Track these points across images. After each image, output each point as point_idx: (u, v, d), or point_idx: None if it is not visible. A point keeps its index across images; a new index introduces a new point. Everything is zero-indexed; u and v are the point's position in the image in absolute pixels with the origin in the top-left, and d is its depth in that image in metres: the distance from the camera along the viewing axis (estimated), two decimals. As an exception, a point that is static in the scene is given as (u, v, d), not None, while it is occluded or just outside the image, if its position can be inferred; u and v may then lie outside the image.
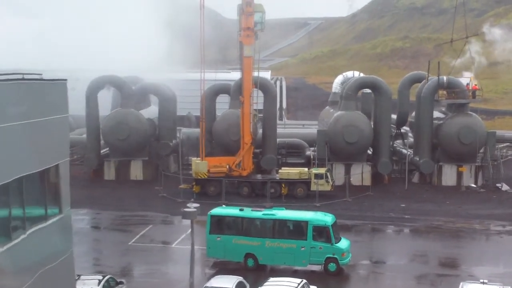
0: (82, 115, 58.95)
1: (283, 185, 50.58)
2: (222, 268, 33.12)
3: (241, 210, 34.46)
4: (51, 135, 19.10)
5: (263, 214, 33.77)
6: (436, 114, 58.16)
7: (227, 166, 51.26)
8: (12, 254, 16.23)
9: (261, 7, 50.65)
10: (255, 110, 53.09)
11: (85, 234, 40.97)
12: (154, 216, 45.56)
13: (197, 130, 61.96)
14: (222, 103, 61.31)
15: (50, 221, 18.83)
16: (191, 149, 61.83)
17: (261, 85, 53.99)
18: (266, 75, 76.69)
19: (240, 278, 27.73)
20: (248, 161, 52.13)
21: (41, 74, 18.85)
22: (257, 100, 53.71)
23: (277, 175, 52.42)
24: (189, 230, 24.97)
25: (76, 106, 52.25)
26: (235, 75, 66.64)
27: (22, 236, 16.98)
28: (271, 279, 27.43)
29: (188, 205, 25.28)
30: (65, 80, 20.17)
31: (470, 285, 25.60)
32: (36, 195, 18.29)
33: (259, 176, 52.93)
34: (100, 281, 26.14)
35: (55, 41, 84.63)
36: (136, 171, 57.97)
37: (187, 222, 24.17)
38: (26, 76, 17.67)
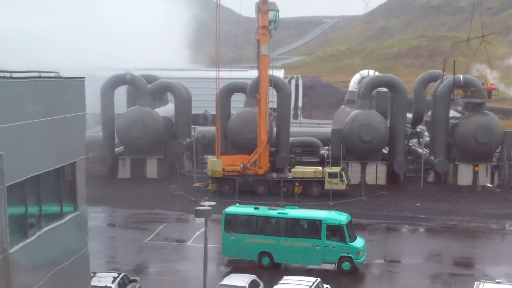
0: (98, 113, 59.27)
1: (297, 184, 50.59)
2: (236, 267, 33.21)
3: (256, 208, 34.54)
4: (68, 133, 19.25)
5: (278, 213, 33.82)
6: (452, 113, 57.85)
7: (241, 165, 51.32)
8: (28, 251, 16.38)
9: (274, 5, 50.70)
10: (270, 108, 53.15)
11: (100, 231, 41.23)
12: (169, 214, 45.79)
13: (212, 128, 62.20)
14: (237, 102, 61.43)
15: (66, 219, 18.97)
16: (207, 147, 62.04)
17: (275, 83, 54.03)
18: (280, 73, 76.76)
19: (253, 277, 27.81)
20: (265, 160, 52.19)
21: (58, 72, 18.99)
22: (272, 98, 53.73)
23: (289, 174, 52.42)
24: (203, 228, 25.04)
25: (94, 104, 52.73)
26: (251, 74, 66.74)
27: (38, 233, 17.13)
28: (285, 277, 27.50)
29: (201, 203, 25.35)
30: (83, 78, 20.31)
31: (485, 284, 25.47)
32: (53, 193, 18.43)
33: (274, 175, 52.99)
34: (115, 278, 26.34)
35: (71, 39, 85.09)
36: (152, 169, 58.27)
37: (202, 220, 24.23)
38: (42, 74, 17.81)
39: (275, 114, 56.76)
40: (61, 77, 18.86)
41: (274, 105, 55.89)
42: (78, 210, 19.93)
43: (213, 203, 25.28)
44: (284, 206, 36.61)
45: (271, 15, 50.50)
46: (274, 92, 55.39)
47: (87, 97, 20.65)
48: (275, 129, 56.58)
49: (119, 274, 27.17)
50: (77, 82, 20.02)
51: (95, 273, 26.04)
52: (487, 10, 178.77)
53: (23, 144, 16.31)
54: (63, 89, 18.93)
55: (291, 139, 58.60)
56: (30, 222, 16.99)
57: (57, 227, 18.28)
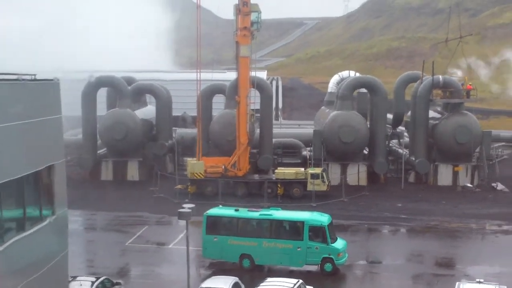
0: (76, 116, 58.82)
1: (279, 185, 50.55)
2: (219, 269, 33.06)
3: (236, 210, 34.41)
4: (45, 136, 18.99)
5: (260, 215, 33.72)
6: (432, 113, 58.18)
7: (223, 167, 51.18)
8: (4, 256, 16.11)
9: (257, 6, 50.63)
10: (252, 110, 53.05)
11: (82, 235, 40.89)
12: (150, 216, 45.50)
13: (192, 130, 61.95)
14: (218, 103, 61.28)
15: (44, 223, 18.73)
16: (186, 149, 61.82)
17: (257, 85, 53.94)
18: (262, 75, 76.74)
19: (236, 279, 27.67)
20: (245, 162, 52.04)
21: (35, 75, 18.75)
22: (254, 100, 53.63)
23: (273, 175, 52.37)
24: (185, 231, 24.90)
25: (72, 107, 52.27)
26: (231, 75, 66.61)
27: (15, 238, 16.86)
28: (268, 279, 27.43)
29: (183, 205, 25.19)
30: (58, 80, 20.06)
31: (466, 284, 25.56)
32: (31, 197, 18.18)
33: (256, 176, 52.87)
34: (93, 282, 25.78)
35: (50, 42, 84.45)
36: (133, 171, 57.94)
37: (184, 222, 24.08)
38: (20, 77, 17.57)
39: (258, 115, 56.67)
40: (36, 80, 18.62)
41: (257, 106, 55.82)
42: (58, 214, 19.68)
43: (193, 205, 25.15)
44: (268, 207, 36.52)
45: (253, 16, 50.36)
46: (257, 94, 55.29)
47: (69, 99, 20.42)
48: (257, 130, 56.48)
49: (98, 278, 26.73)
50: (53, 85, 19.76)
51: (74, 277, 25.68)
52: (465, 11, 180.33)
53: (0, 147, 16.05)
54: (39, 92, 18.68)
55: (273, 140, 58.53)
56: (7, 226, 16.71)
57: (34, 232, 18.02)
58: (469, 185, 55.03)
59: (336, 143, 54.92)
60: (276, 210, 34.87)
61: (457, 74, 63.99)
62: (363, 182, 54.73)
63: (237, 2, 50.05)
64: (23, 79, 17.82)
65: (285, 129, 73.42)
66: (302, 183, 50.39)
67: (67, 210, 20.48)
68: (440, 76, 56.83)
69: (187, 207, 24.09)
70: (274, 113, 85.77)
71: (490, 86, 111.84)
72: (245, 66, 50.95)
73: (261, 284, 26.47)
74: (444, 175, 55.74)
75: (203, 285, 27.09)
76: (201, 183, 50.83)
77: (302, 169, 52.22)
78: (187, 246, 24.02)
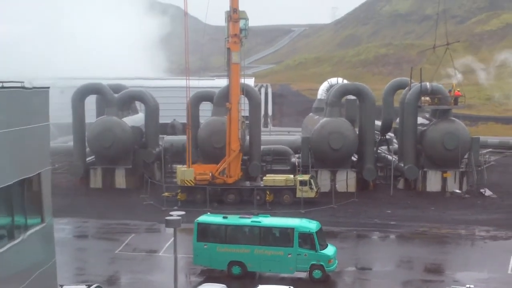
0: (66, 123, 58.70)
1: (268, 192, 50.49)
2: (210, 276, 32.94)
3: (225, 217, 34.31)
4: (32, 144, 18.82)
5: (251, 222, 33.65)
6: (420, 120, 58.39)
7: (210, 174, 51.06)
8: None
9: (244, 14, 50.79)
10: (243, 117, 53.05)
11: (70, 243, 40.61)
12: (140, 224, 45.29)
13: (181, 137, 61.81)
14: (205, 111, 61.20)
15: (30, 231, 18.52)
16: (175, 156, 61.70)
17: (246, 92, 53.94)
18: (250, 82, 76.73)
19: (224, 287, 27.54)
20: (236, 168, 51.94)
21: (22, 82, 18.59)
22: (244, 107, 53.65)
23: (261, 182, 52.31)
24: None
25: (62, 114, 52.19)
26: (219, 82, 66.65)
27: (5, 247, 16.67)
28: (260, 286, 27.35)
29: (171, 213, 25.07)
30: (47, 88, 19.92)
31: (456, 290, 25.60)
32: (17, 205, 17.98)
33: (247, 183, 52.79)
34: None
35: (38, 49, 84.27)
36: (120, 179, 57.70)
37: (172, 230, 23.96)
38: (6, 84, 17.40)
39: (247, 122, 56.66)
40: (25, 87, 18.45)
41: (245, 113, 55.82)
42: (44, 222, 19.49)
43: (182, 212, 25.04)
44: (257, 215, 36.44)
45: (241, 23, 50.56)
46: (246, 101, 55.31)
47: (57, 107, 20.26)
48: (248, 137, 56.45)
49: (90, 286, 26.52)
50: (41, 92, 19.61)
51: (62, 286, 25.46)
52: (452, 18, 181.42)
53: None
54: (27, 99, 18.52)
55: (262, 147, 58.51)
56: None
57: (23, 240, 17.83)
58: (457, 191, 55.20)
59: (325, 150, 54.95)
60: (265, 217, 34.81)
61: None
62: (352, 188, 54.75)
63: (228, 9, 50.19)
64: (11, 87, 17.66)
65: (274, 136, 73.41)
66: (291, 190, 50.36)
67: (52, 218, 20.29)
68: (428, 83, 57.08)
69: (176, 214, 23.97)
70: (263, 120, 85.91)
71: (479, 92, 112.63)
72: (236, 72, 51.02)
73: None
74: (433, 181, 55.88)
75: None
76: (191, 190, 50.69)
77: (291, 176, 52.21)
78: (175, 253, 23.89)
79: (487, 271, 34.66)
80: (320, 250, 32.56)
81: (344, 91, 58.61)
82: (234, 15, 49.91)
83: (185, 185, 50.54)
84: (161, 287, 31.63)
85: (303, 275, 32.89)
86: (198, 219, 34.20)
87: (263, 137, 61.16)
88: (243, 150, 52.93)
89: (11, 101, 17.48)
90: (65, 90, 58.66)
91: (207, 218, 34.97)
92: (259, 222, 33.62)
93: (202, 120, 58.33)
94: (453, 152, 54.68)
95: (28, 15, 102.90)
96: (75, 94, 57.93)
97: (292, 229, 32.88)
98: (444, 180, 55.62)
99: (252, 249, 32.86)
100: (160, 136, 63.79)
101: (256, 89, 79.36)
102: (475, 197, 54.03)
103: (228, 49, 50.91)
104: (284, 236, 33.22)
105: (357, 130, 57.52)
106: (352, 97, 60.56)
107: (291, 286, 27.55)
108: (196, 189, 50.49)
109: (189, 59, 49.61)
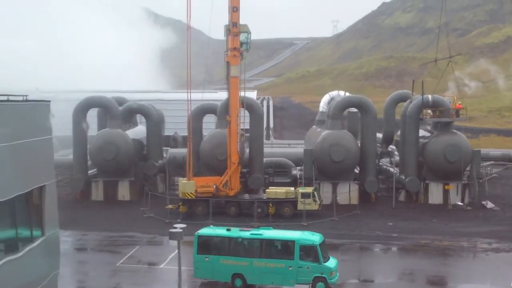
0: (67, 136, 58.80)
1: (270, 204, 50.53)
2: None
3: (228, 230, 34.37)
4: (35, 157, 18.97)
5: (251, 234, 33.69)
6: (422, 132, 58.52)
7: (214, 186, 51.16)
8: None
9: (246, 27, 51.00)
10: (242, 130, 53.15)
11: (73, 255, 40.58)
12: (141, 237, 45.28)
13: (184, 150, 61.96)
14: (209, 123, 61.40)
15: (35, 243, 18.62)
16: (178, 169, 61.77)
17: (247, 105, 54.11)
18: (252, 95, 77.00)
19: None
20: (236, 181, 52.05)
21: (26, 95, 18.78)
22: (244, 120, 53.78)
23: (264, 194, 52.36)
24: (177, 251, 24.83)
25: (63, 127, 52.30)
26: (222, 95, 66.86)
27: (8, 258, 16.76)
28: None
29: (174, 225, 25.16)
30: (49, 101, 20.10)
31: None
32: (22, 218, 18.10)
33: (246, 196, 52.84)
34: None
35: (41, 62, 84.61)
36: (124, 191, 57.80)
37: (175, 242, 24.02)
38: (11, 98, 17.58)
39: (248, 135, 56.79)
40: (27, 101, 18.63)
41: (246, 126, 55.93)
42: (49, 235, 19.58)
43: (184, 225, 25.11)
44: (258, 227, 36.46)
45: (242, 37, 50.77)
46: (247, 113, 55.45)
47: (57, 120, 20.44)
48: (247, 150, 56.55)
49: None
50: (43, 106, 19.79)
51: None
52: (453, 31, 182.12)
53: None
54: (29, 113, 18.69)
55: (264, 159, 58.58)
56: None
57: (26, 252, 17.92)
58: (459, 203, 55.19)
59: (327, 162, 55.06)
60: (267, 230, 34.86)
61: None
62: (354, 201, 54.77)
63: (227, 23, 50.45)
64: (14, 100, 17.84)
65: (276, 149, 73.54)
66: (293, 202, 50.40)
67: (59, 230, 20.39)
68: (430, 96, 57.27)
69: (179, 227, 24.07)
70: (265, 132, 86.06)
71: (481, 105, 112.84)
72: (235, 86, 51.20)
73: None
74: (435, 193, 55.90)
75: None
76: (192, 202, 50.75)
77: (293, 188, 52.23)
78: (179, 266, 23.96)
79: (490, 283, 34.65)
80: (323, 262, 32.56)
81: (345, 104, 58.81)
82: (234, 29, 50.16)
83: (186, 197, 50.59)
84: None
85: (305, 287, 32.87)
86: (198, 232, 34.24)
87: (265, 150, 61.25)
88: (242, 163, 53.00)
89: (15, 114, 17.65)
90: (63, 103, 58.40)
91: (207, 230, 35.01)
92: (261, 234, 33.65)
93: (205, 133, 58.53)
94: (455, 165, 54.73)
95: (26, 30, 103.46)
96: (78, 107, 58.01)
97: (293, 242, 32.90)
98: (446, 192, 55.61)
99: (253, 261, 32.85)
100: (164, 148, 63.88)
101: (259, 101, 79.57)
102: (477, 209, 54.00)
103: (227, 62, 51.15)
104: (285, 249, 33.23)
105: (359, 142, 57.66)
106: (354, 109, 60.75)
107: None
108: (198, 201, 50.54)
109: (193, 72, 49.78)
